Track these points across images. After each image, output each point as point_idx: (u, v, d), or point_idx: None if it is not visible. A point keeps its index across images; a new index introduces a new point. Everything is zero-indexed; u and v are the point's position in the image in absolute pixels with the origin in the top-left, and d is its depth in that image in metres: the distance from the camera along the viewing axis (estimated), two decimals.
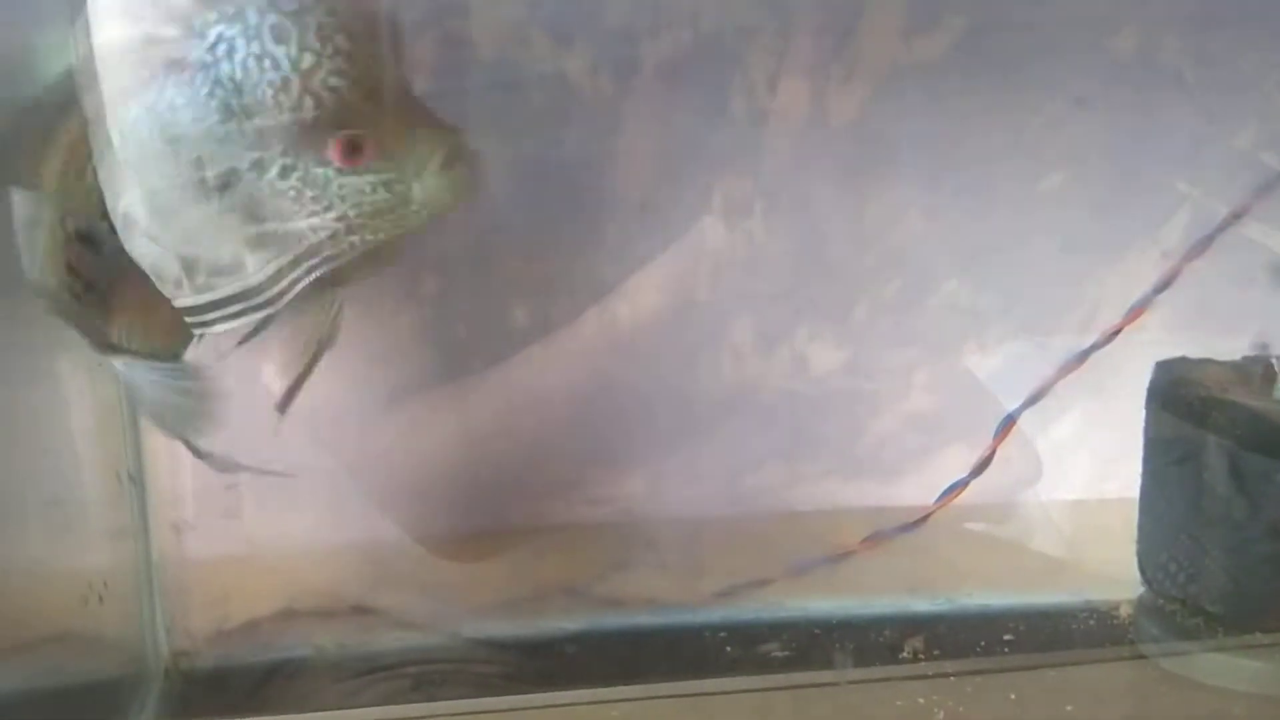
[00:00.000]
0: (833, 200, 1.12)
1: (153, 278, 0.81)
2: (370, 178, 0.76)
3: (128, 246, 0.81)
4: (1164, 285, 1.13)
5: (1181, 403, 1.02)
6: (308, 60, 0.72)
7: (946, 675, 0.99)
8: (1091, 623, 1.09)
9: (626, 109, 1.06)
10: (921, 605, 1.12)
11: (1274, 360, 1.04)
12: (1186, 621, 1.01)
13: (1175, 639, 1.01)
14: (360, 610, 1.08)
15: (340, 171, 0.75)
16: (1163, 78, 1.13)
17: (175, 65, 0.78)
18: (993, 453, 1.13)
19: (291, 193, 0.76)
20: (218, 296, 0.80)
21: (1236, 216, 1.12)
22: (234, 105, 0.74)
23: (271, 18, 0.72)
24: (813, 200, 1.12)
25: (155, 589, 1.06)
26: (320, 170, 0.75)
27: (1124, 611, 1.08)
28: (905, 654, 1.04)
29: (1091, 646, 1.06)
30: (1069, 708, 0.94)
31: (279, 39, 0.72)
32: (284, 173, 0.76)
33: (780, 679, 1.00)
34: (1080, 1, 1.11)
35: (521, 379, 1.10)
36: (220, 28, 0.73)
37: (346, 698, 1.01)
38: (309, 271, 0.80)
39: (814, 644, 1.08)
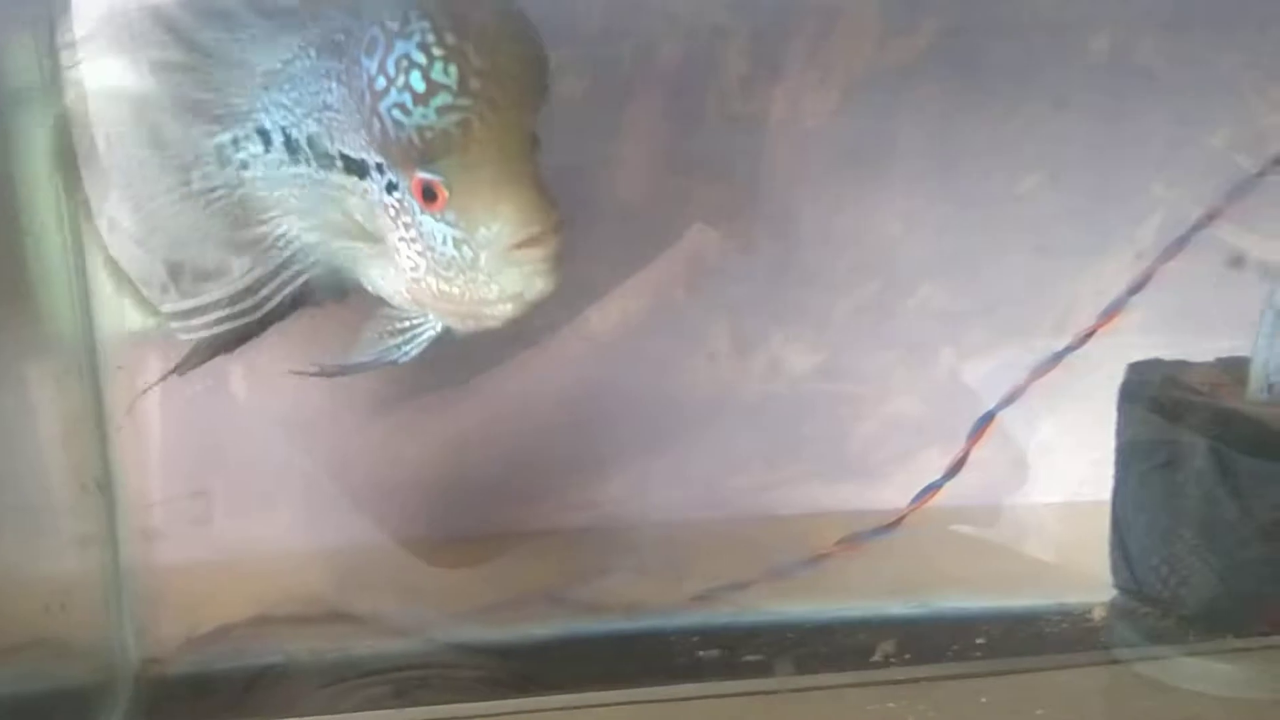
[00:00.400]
0: (811, 204, 1.12)
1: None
2: (444, 227, 0.72)
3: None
4: (1138, 287, 1.13)
5: (1154, 404, 1.03)
6: (380, 83, 0.69)
7: (917, 680, 0.99)
8: (1064, 626, 1.09)
9: (608, 115, 1.05)
10: (895, 609, 1.12)
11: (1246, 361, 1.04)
12: (1160, 625, 1.02)
13: (1148, 643, 1.01)
14: (337, 616, 1.07)
15: (422, 209, 0.73)
16: (1138, 80, 1.13)
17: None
18: (966, 454, 1.13)
19: (391, 210, 0.74)
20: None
21: (1210, 218, 1.13)
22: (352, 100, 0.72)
23: (373, 30, 0.69)
24: (791, 204, 1.11)
25: (124, 596, 1.04)
26: (412, 200, 0.73)
27: (1097, 615, 1.09)
28: (877, 658, 1.04)
29: (1064, 650, 1.06)
30: (1039, 712, 0.94)
31: (368, 52, 0.69)
32: (389, 188, 0.74)
33: (752, 684, 1.00)
34: (1056, 4, 1.11)
35: (505, 384, 1.09)
36: (347, 21, 0.72)
37: (325, 704, 1.00)
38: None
39: (788, 648, 1.08)
